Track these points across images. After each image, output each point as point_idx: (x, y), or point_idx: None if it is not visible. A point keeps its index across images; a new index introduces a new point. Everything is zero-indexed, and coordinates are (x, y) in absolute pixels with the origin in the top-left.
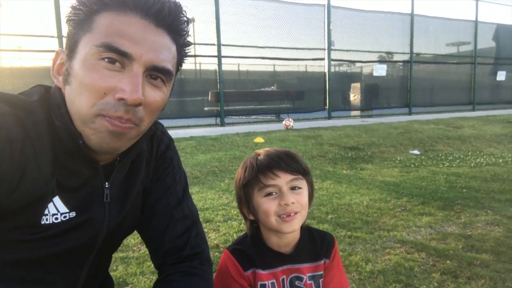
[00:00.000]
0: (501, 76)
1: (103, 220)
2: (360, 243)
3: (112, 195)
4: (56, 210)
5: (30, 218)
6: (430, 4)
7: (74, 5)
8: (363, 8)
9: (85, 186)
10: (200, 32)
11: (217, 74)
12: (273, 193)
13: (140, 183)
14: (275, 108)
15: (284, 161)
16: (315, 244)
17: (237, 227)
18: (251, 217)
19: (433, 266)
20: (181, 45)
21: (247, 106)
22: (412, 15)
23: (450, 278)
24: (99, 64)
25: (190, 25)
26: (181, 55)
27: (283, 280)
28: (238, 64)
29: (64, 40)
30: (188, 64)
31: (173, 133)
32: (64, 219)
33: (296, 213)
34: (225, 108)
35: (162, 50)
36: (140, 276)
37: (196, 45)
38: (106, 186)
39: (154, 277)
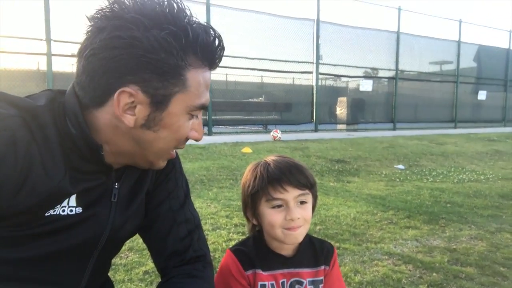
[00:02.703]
0: (482, 95)
1: (108, 217)
2: (348, 254)
3: (120, 195)
4: (67, 204)
5: (35, 215)
6: (415, 23)
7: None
8: (352, 24)
9: (97, 187)
10: None
11: None
12: (280, 206)
13: (146, 187)
14: (262, 119)
15: (294, 176)
16: (315, 250)
17: (226, 236)
18: (254, 222)
19: (420, 278)
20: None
21: (235, 116)
22: (398, 33)
23: None
24: (188, 117)
25: None
26: None
27: (283, 283)
28: (226, 74)
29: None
30: None
31: None
32: (71, 213)
33: (299, 226)
34: (213, 117)
35: None
36: (128, 283)
37: None
38: (116, 186)
39: (143, 284)
